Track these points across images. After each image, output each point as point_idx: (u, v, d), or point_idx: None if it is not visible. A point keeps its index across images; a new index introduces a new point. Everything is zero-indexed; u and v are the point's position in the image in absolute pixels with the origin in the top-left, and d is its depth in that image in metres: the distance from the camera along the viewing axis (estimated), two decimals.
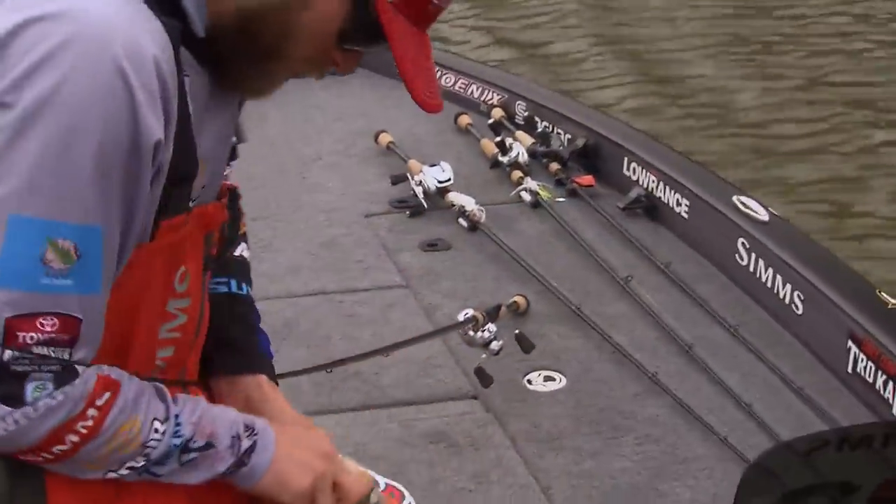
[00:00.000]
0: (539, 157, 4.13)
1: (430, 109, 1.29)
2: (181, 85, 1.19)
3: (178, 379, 1.38)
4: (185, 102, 1.21)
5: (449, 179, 3.85)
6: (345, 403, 2.91)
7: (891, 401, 2.84)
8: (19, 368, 1.14)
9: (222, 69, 1.25)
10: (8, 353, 1.14)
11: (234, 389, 1.45)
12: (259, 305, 1.57)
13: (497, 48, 7.39)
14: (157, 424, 1.24)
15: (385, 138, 4.24)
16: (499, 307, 3.04)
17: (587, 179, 3.99)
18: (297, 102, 4.47)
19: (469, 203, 3.76)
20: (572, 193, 3.96)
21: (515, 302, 3.22)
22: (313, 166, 4.21)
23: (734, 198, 3.57)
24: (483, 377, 2.92)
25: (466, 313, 2.96)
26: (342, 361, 2.83)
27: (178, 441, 1.25)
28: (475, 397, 2.94)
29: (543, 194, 3.91)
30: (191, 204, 1.27)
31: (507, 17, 7.94)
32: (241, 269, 1.55)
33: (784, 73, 6.93)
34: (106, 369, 1.22)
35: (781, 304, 3.27)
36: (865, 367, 2.92)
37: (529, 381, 3.02)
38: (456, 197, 3.80)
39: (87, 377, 1.19)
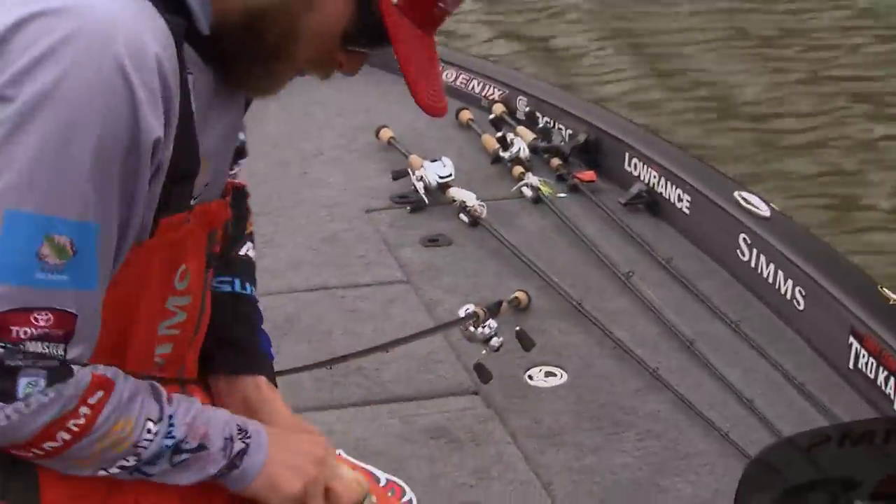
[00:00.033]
0: (540, 153, 4.12)
1: (433, 113, 1.28)
2: (184, 83, 1.19)
3: (176, 377, 1.38)
4: (188, 100, 1.21)
5: (450, 175, 3.85)
6: (346, 399, 2.91)
7: (892, 396, 2.83)
8: (11, 363, 1.14)
9: (227, 67, 1.25)
10: (0, 348, 1.14)
11: (233, 389, 1.45)
12: (260, 300, 1.57)
13: (502, 42, 7.38)
14: (150, 425, 1.24)
15: (386, 133, 4.23)
16: (500, 303, 3.04)
17: (588, 175, 3.98)
18: (298, 98, 4.47)
19: (470, 198, 3.75)
20: (573, 189, 3.96)
21: (517, 297, 3.22)
22: (314, 161, 4.21)
23: (736, 193, 3.57)
24: (482, 373, 2.92)
25: (467, 309, 2.96)
26: (344, 358, 2.84)
27: (169, 442, 1.25)
28: (476, 393, 2.94)
29: (544, 190, 3.91)
30: (192, 202, 1.27)
31: (511, 9, 7.93)
32: (246, 269, 1.54)
33: (785, 66, 6.93)
34: (101, 369, 1.22)
35: (783, 299, 3.27)
36: (867, 363, 2.91)
37: (530, 377, 3.02)
38: (457, 192, 3.80)
39: (81, 375, 1.18)
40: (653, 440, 2.79)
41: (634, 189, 3.87)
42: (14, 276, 1.13)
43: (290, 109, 4.46)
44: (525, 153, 4.07)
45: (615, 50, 7.23)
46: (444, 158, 3.89)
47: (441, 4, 1.25)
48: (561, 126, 4.23)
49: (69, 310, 1.16)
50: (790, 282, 3.25)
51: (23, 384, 1.15)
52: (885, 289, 3.07)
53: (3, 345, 1.14)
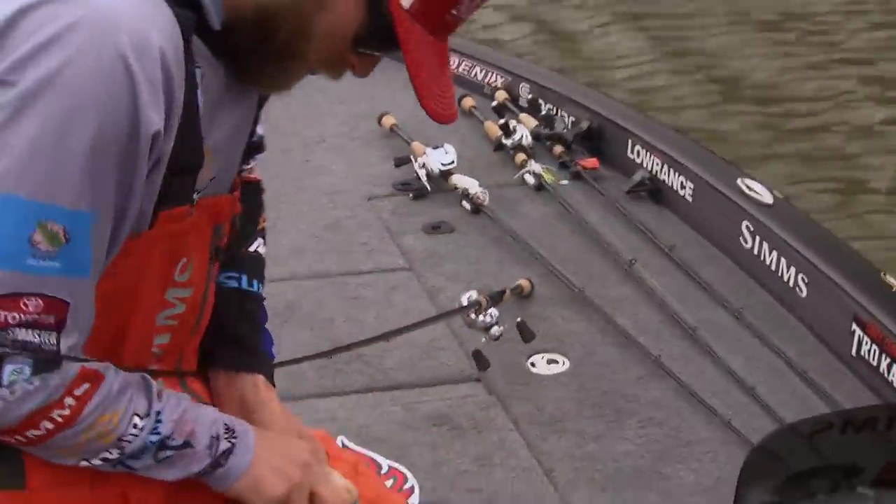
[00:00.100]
0: (543, 140, 4.11)
1: (441, 120, 1.28)
2: (191, 76, 1.19)
3: (174, 368, 1.37)
4: (194, 94, 1.20)
5: (452, 162, 3.84)
6: (348, 386, 2.91)
7: (895, 384, 2.83)
8: None
9: (239, 64, 1.25)
10: None
11: (231, 386, 1.44)
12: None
13: (510, 26, 7.36)
14: (136, 420, 1.23)
15: (388, 120, 4.23)
16: (503, 292, 3.04)
17: (591, 162, 3.98)
18: (300, 85, 4.45)
19: (472, 186, 3.75)
20: (576, 176, 3.95)
21: (520, 285, 3.22)
22: (316, 149, 4.20)
23: (739, 181, 3.56)
24: (480, 360, 2.92)
25: (470, 296, 2.96)
26: (347, 347, 2.84)
27: (155, 438, 1.25)
28: (478, 380, 2.94)
29: (547, 177, 3.90)
30: (196, 195, 1.26)
31: None
32: (255, 266, 1.54)
33: (790, 50, 6.92)
34: (93, 364, 1.21)
35: (786, 287, 3.26)
36: (869, 350, 2.91)
37: (533, 364, 3.02)
38: (459, 179, 3.79)
39: (68, 366, 1.18)
40: (655, 427, 2.79)
41: (637, 176, 3.86)
42: (4, 261, 1.13)
43: (291, 96, 4.41)
44: (528, 140, 4.06)
45: (621, 33, 7.22)
46: (446, 146, 3.88)
47: (454, 12, 1.24)
48: (564, 113, 4.22)
49: (60, 297, 1.15)
50: (793, 269, 3.24)
51: (8, 371, 1.15)
52: (888, 276, 3.07)
53: None
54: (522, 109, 4.32)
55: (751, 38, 7.11)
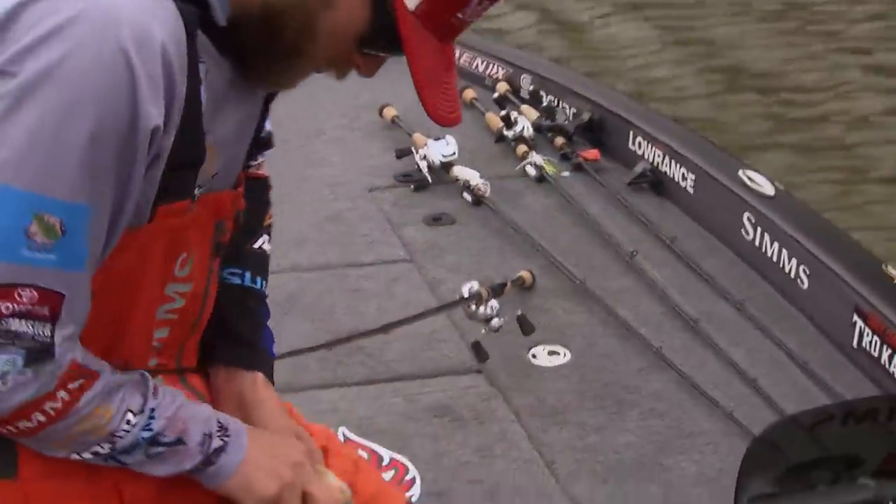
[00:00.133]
0: (544, 132, 4.11)
1: (444, 123, 1.27)
2: (194, 72, 1.19)
3: (174, 362, 1.37)
4: (197, 89, 1.20)
5: (453, 153, 3.84)
6: (349, 378, 2.91)
7: None
8: None
9: (244, 60, 1.24)
10: None
11: (230, 383, 1.44)
12: None
13: (514, 15, 7.35)
14: (129, 416, 1.23)
15: (389, 112, 4.22)
16: (504, 283, 3.04)
17: (592, 153, 3.97)
18: None
19: (474, 177, 3.74)
20: (577, 168, 3.94)
21: (521, 277, 3.22)
22: (317, 140, 4.20)
23: (740, 172, 3.56)
24: (479, 352, 2.92)
25: (471, 287, 2.96)
26: (348, 339, 2.84)
27: (147, 434, 1.25)
28: (479, 371, 2.94)
29: (548, 169, 3.90)
30: (198, 190, 1.26)
31: None
32: (259, 263, 1.53)
33: (794, 40, 6.91)
34: (89, 361, 1.21)
35: (787, 278, 3.26)
36: (871, 342, 2.91)
37: (534, 356, 3.02)
38: (460, 171, 3.79)
39: (61, 359, 1.18)
40: (656, 419, 2.79)
41: (639, 168, 3.86)
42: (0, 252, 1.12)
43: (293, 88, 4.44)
44: (529, 132, 4.06)
45: (626, 23, 7.22)
46: (447, 137, 3.88)
47: (459, 15, 1.23)
48: (565, 105, 4.22)
49: (56, 289, 1.15)
50: (794, 261, 3.24)
51: (0, 362, 1.15)
52: (889, 267, 3.07)
53: None
54: (524, 101, 4.32)
55: (753, 29, 7.10)
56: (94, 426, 1.22)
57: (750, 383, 2.88)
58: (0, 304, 1.13)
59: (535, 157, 3.92)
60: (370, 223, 3.66)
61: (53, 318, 1.16)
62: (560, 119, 4.12)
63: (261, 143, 1.50)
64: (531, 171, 3.91)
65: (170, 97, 1.15)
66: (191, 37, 1.18)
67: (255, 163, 1.55)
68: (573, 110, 4.16)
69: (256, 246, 1.54)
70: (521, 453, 2.67)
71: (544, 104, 4.27)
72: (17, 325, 1.14)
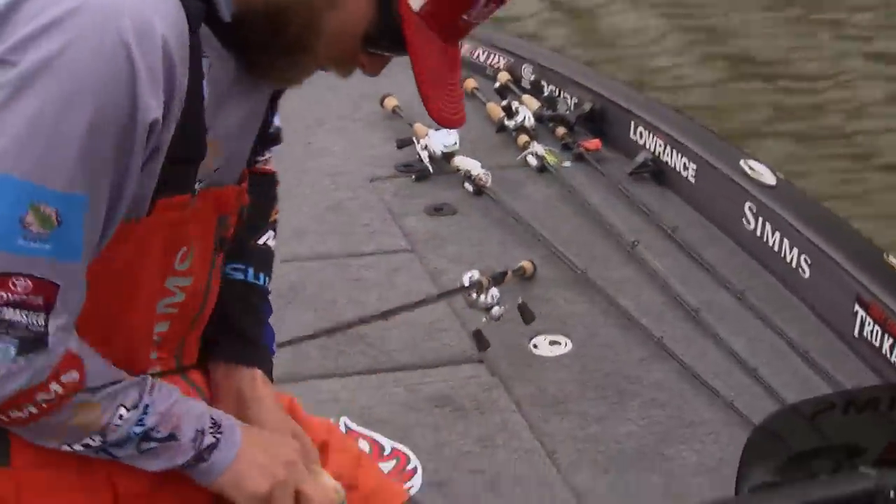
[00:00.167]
0: (545, 122, 4.11)
1: (447, 125, 1.27)
2: (196, 66, 1.18)
3: (176, 362, 1.37)
4: (199, 83, 1.19)
5: (455, 143, 3.84)
6: (351, 367, 2.91)
7: None
8: None
9: (250, 56, 1.24)
10: None
11: (230, 379, 1.43)
12: None
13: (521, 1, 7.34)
14: (122, 411, 1.23)
15: (391, 102, 4.22)
16: (504, 273, 3.04)
17: (594, 143, 3.97)
18: None
19: (475, 167, 3.74)
20: (579, 158, 3.94)
21: (522, 267, 3.22)
22: (318, 130, 4.20)
23: (741, 162, 3.56)
24: (480, 340, 2.92)
25: (471, 276, 2.96)
26: (347, 326, 2.84)
27: (139, 429, 1.24)
28: (481, 361, 2.94)
29: (550, 159, 3.90)
30: (199, 185, 1.25)
31: None
32: (262, 259, 1.52)
33: (797, 29, 6.90)
34: (84, 352, 1.21)
35: (788, 268, 3.26)
36: (872, 331, 2.91)
37: (535, 346, 3.02)
38: (462, 161, 3.79)
39: (55, 350, 1.17)
40: (657, 409, 2.80)
41: (640, 158, 3.86)
42: None
43: None
44: (530, 122, 4.06)
45: (632, 11, 7.22)
46: None
47: (465, 17, 1.23)
48: (566, 95, 4.21)
49: (50, 279, 1.15)
50: (795, 250, 3.24)
51: None
52: (890, 256, 3.07)
53: None
54: (525, 91, 4.31)
55: (758, 18, 7.10)
56: (86, 420, 1.22)
57: (751, 373, 2.89)
58: None
59: (537, 147, 3.92)
60: (371, 213, 3.66)
61: (48, 308, 1.15)
62: (561, 109, 4.12)
63: (268, 138, 1.49)
64: (532, 161, 3.90)
65: (170, 91, 1.15)
66: (194, 31, 1.17)
67: (262, 158, 1.54)
68: (574, 100, 4.16)
69: (261, 242, 1.53)
70: (523, 443, 2.67)
71: (545, 94, 4.27)
72: (10, 314, 1.14)
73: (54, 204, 1.12)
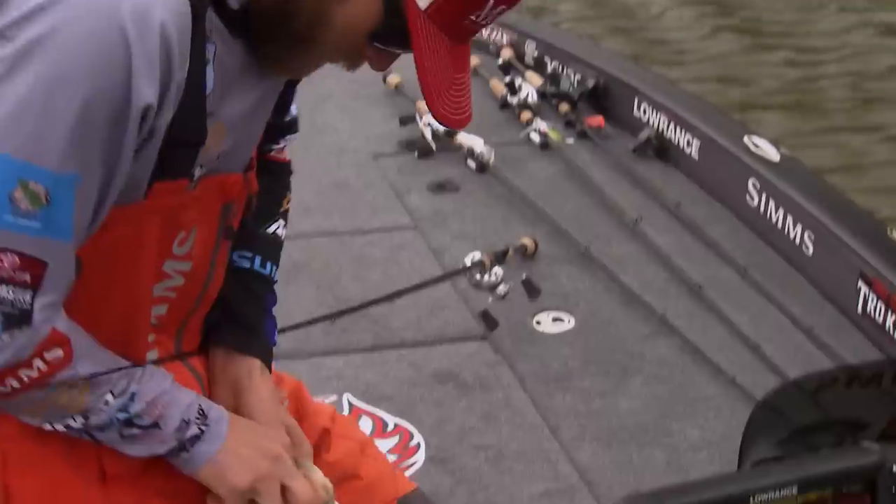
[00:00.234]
0: (549, 98, 4.10)
1: (450, 125, 1.26)
2: (199, 51, 1.18)
3: (175, 346, 1.36)
4: (201, 70, 1.19)
5: None
6: (355, 344, 2.91)
7: None
8: None
9: (257, 45, 1.23)
10: None
11: (227, 367, 1.42)
12: None
13: None
14: (108, 397, 1.23)
15: (394, 79, 4.21)
16: (506, 250, 3.04)
17: (597, 120, 3.97)
18: None
19: (478, 144, 3.74)
20: (582, 135, 3.94)
21: (523, 244, 3.22)
22: (322, 107, 4.19)
23: (745, 138, 3.55)
24: (489, 320, 2.93)
25: (473, 257, 2.96)
26: (351, 310, 2.84)
27: (122, 416, 1.24)
28: (484, 338, 2.95)
29: (553, 136, 3.89)
30: (201, 170, 1.25)
31: None
32: (271, 248, 1.51)
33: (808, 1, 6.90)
34: (73, 333, 1.20)
35: (792, 244, 3.26)
36: (876, 307, 2.91)
37: (538, 323, 3.02)
38: (465, 138, 3.78)
39: (39, 326, 1.17)
40: (660, 385, 2.80)
41: (643, 134, 3.85)
42: None
43: None
44: (533, 98, 4.05)
45: None
46: None
47: (472, 17, 1.21)
48: (570, 71, 4.20)
49: (38, 257, 1.14)
50: (799, 226, 3.24)
51: None
52: (894, 232, 3.07)
53: None
54: (528, 67, 4.30)
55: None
56: (68, 401, 1.22)
57: (754, 349, 2.89)
58: None
59: (540, 124, 3.91)
60: (375, 190, 3.66)
61: (35, 286, 1.15)
62: (565, 86, 4.11)
63: (284, 126, 1.48)
64: (535, 137, 3.90)
65: (166, 77, 1.14)
66: (199, 17, 1.17)
67: (277, 146, 1.53)
68: (578, 77, 4.15)
69: (270, 231, 1.52)
70: (526, 419, 2.68)
71: (549, 70, 4.26)
72: None
73: (44, 182, 1.12)
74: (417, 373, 2.82)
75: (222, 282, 1.40)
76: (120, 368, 1.24)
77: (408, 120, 3.92)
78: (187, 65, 1.16)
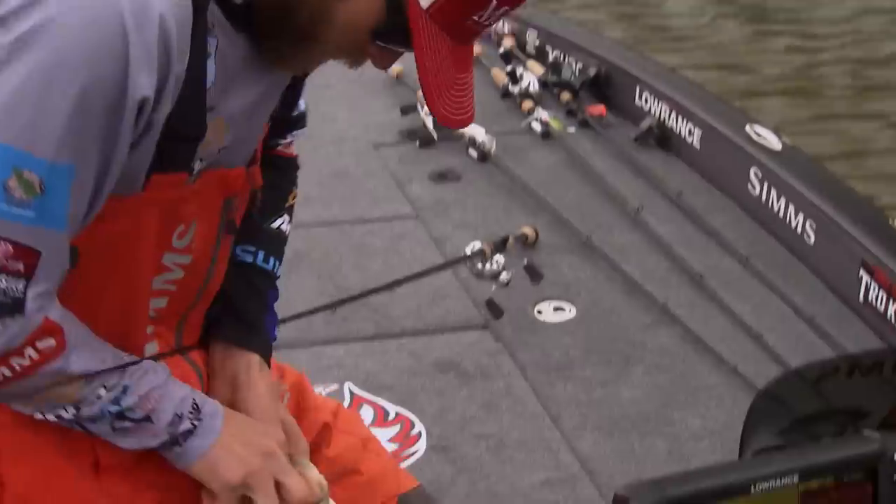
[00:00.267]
0: (550, 87, 4.09)
1: (450, 126, 1.26)
2: (201, 45, 1.17)
3: (175, 339, 1.36)
4: (202, 63, 1.18)
5: None
6: (355, 333, 2.91)
7: None
8: None
9: (260, 40, 1.23)
10: None
11: (226, 362, 1.41)
12: None
13: None
14: (101, 390, 1.23)
15: (395, 68, 4.20)
16: (506, 238, 3.04)
17: (599, 109, 3.96)
18: None
19: (479, 134, 3.74)
20: (584, 124, 3.93)
21: (524, 233, 3.22)
22: (323, 96, 4.18)
23: (747, 127, 3.55)
24: (494, 309, 2.93)
25: (474, 246, 2.96)
26: (351, 299, 2.83)
27: (113, 408, 1.24)
28: (485, 327, 2.95)
29: (554, 125, 3.89)
30: (201, 163, 1.24)
31: None
32: (274, 243, 1.50)
33: None
34: (67, 322, 1.20)
35: (794, 233, 3.26)
36: (877, 296, 2.91)
37: (539, 312, 3.02)
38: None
39: (32, 318, 1.17)
40: (661, 374, 2.80)
41: (645, 123, 3.85)
42: None
43: None
44: (534, 87, 4.05)
45: None
46: None
47: (475, 18, 1.21)
48: (571, 60, 4.20)
49: (31, 246, 1.14)
50: (801, 215, 3.23)
51: None
52: None
53: None
54: (530, 56, 4.30)
55: None
56: (62, 391, 1.21)
57: (755, 338, 2.89)
58: None
59: (541, 113, 3.91)
60: (376, 179, 3.66)
61: (28, 275, 1.15)
62: (566, 74, 4.11)
63: (292, 121, 1.48)
64: (537, 126, 3.89)
65: (164, 69, 1.14)
66: (200, 10, 1.16)
67: (284, 141, 1.53)
68: (579, 65, 4.14)
69: (275, 226, 1.51)
70: (527, 408, 2.68)
71: (550, 59, 4.25)
72: None
73: (39, 171, 1.12)
74: (418, 362, 2.82)
75: (224, 276, 1.39)
76: (116, 367, 1.24)
77: (409, 109, 3.92)
78: (187, 57, 1.16)
